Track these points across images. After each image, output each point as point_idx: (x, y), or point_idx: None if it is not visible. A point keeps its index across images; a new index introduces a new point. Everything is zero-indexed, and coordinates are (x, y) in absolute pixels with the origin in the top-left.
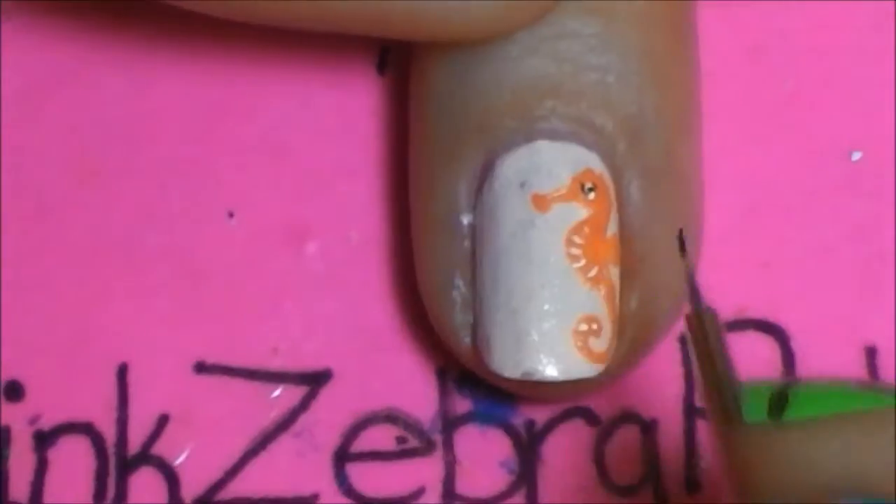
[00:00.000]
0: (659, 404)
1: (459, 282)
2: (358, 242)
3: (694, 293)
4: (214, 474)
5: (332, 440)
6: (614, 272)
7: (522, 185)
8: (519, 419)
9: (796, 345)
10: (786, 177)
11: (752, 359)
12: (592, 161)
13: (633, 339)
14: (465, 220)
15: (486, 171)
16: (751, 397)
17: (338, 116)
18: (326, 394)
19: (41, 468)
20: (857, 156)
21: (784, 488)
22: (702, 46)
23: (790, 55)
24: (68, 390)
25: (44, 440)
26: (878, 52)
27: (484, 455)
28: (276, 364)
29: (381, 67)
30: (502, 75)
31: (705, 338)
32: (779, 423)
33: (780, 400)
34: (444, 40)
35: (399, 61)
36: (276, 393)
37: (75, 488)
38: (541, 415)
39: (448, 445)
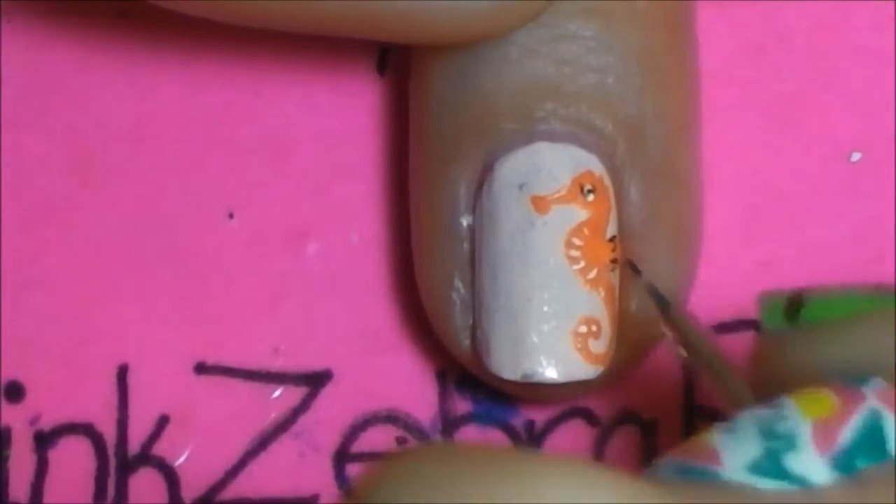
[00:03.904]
0: (659, 404)
1: (459, 283)
2: (358, 243)
3: (660, 300)
4: (215, 475)
5: (332, 441)
6: (614, 274)
7: (522, 186)
8: (519, 420)
9: None
10: (786, 177)
11: None
12: (592, 163)
13: (632, 341)
14: (465, 221)
15: (485, 173)
16: (767, 309)
17: (338, 117)
18: (327, 394)
19: (41, 469)
20: (856, 156)
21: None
22: (702, 46)
23: (790, 55)
24: (68, 391)
25: (44, 441)
26: (878, 52)
27: None
28: (276, 365)
29: (381, 68)
30: (502, 77)
31: (687, 337)
32: (795, 327)
33: (794, 306)
34: (434, 43)
35: (399, 62)
36: (277, 393)
37: (75, 489)
38: (540, 416)
39: None
